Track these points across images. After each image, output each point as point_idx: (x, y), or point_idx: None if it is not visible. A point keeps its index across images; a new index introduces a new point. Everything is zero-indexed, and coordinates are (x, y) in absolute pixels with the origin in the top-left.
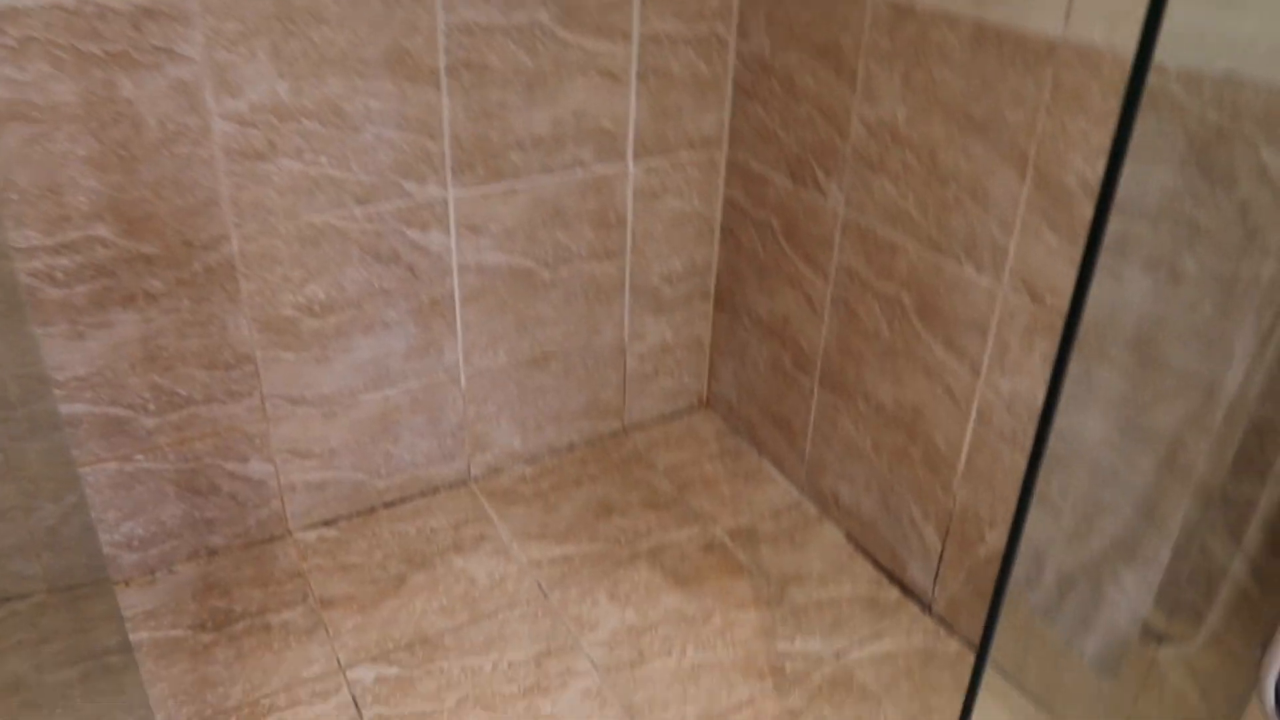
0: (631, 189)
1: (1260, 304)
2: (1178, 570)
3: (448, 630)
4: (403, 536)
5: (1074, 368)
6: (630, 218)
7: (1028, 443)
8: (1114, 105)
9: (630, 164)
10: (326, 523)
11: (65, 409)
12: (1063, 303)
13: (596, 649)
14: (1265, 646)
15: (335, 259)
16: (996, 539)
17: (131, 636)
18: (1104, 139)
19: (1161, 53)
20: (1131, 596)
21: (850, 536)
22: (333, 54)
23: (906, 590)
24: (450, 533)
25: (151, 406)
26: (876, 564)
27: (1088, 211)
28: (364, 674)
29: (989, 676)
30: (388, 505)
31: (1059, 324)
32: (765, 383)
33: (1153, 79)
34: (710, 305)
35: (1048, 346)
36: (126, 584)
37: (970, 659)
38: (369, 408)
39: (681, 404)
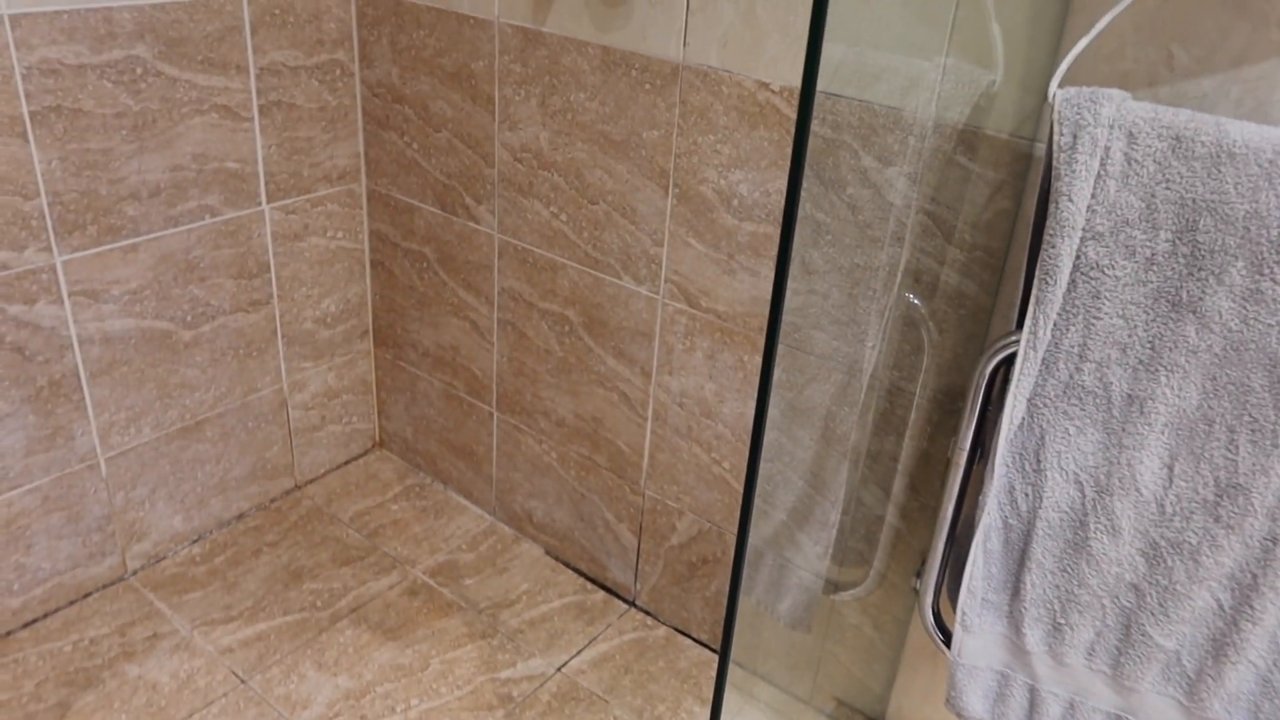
0: (270, 232)
1: (877, 287)
2: (844, 525)
3: None
4: (56, 656)
5: (732, 361)
6: (273, 263)
7: (701, 434)
8: (735, 121)
9: (265, 206)
10: None
11: None
12: (715, 304)
13: None
14: (919, 576)
15: None
16: (686, 526)
17: None
18: (732, 152)
19: (767, 75)
20: (811, 557)
21: (550, 551)
22: None
23: (610, 590)
24: (115, 639)
25: None
26: (578, 572)
27: (726, 219)
28: None
29: (698, 652)
30: (28, 625)
31: (715, 323)
32: (440, 414)
33: (761, 96)
34: (370, 343)
35: (707, 344)
36: None
37: (677, 640)
38: None
39: (355, 449)
